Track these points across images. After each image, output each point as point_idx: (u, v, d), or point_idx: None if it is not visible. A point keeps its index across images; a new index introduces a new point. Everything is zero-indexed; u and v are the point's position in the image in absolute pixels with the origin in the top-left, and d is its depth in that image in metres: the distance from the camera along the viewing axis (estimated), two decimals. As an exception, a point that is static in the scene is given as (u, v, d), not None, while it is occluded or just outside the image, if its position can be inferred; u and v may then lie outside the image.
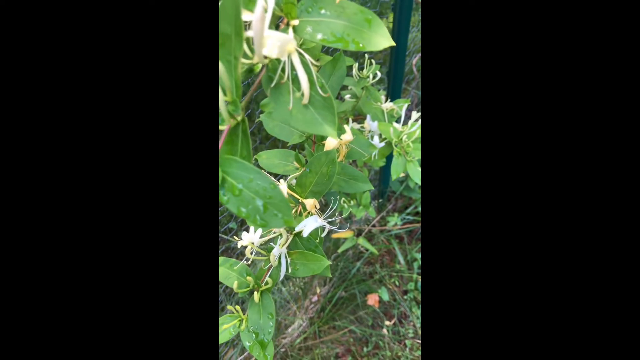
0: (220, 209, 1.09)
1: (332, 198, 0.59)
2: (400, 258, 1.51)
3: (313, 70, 0.30)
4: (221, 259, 0.54)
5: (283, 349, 1.33)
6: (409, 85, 1.70)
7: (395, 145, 0.67)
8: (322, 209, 0.55)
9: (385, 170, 1.47)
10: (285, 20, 0.32)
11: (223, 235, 1.18)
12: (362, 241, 1.38)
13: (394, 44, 0.30)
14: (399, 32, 1.05)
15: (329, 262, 0.49)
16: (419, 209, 1.60)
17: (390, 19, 1.06)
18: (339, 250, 1.41)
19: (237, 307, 0.55)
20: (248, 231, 0.50)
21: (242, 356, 1.21)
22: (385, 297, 1.44)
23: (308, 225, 0.48)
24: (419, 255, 1.50)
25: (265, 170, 0.57)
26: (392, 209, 1.61)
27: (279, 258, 0.51)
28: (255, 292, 0.52)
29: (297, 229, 0.51)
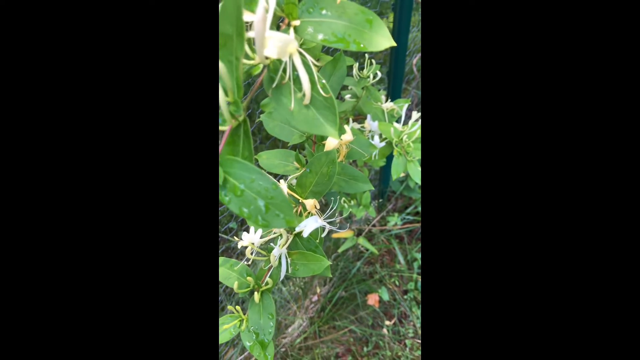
0: (220, 208, 1.09)
1: (332, 198, 0.59)
2: (401, 258, 1.51)
3: (314, 70, 0.30)
4: (221, 259, 0.54)
5: (283, 349, 1.33)
6: (409, 85, 1.70)
7: (396, 145, 0.67)
8: (322, 209, 0.55)
9: (385, 170, 1.47)
10: (286, 21, 0.32)
11: (223, 235, 1.18)
12: (362, 241, 1.38)
13: (395, 44, 0.31)
14: (399, 32, 1.05)
15: (329, 262, 0.50)
16: (419, 208, 1.60)
17: (391, 18, 1.06)
18: (339, 250, 1.41)
19: (238, 307, 0.55)
20: (248, 231, 0.50)
21: (242, 356, 1.21)
22: (386, 297, 1.44)
23: (308, 226, 0.48)
24: (419, 255, 1.51)
25: (265, 171, 0.57)
26: (392, 209, 1.61)
27: (279, 258, 0.51)
28: (256, 293, 0.52)
29: (297, 230, 0.51)
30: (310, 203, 0.51)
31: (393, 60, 1.14)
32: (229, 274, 0.54)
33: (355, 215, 1.08)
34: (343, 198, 1.05)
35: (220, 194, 0.28)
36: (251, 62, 0.30)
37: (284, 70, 0.30)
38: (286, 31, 0.31)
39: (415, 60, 1.53)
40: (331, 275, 1.02)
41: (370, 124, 0.70)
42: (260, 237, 0.50)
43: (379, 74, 0.72)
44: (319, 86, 0.30)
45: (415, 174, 0.64)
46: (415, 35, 1.52)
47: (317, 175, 0.50)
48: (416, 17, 1.59)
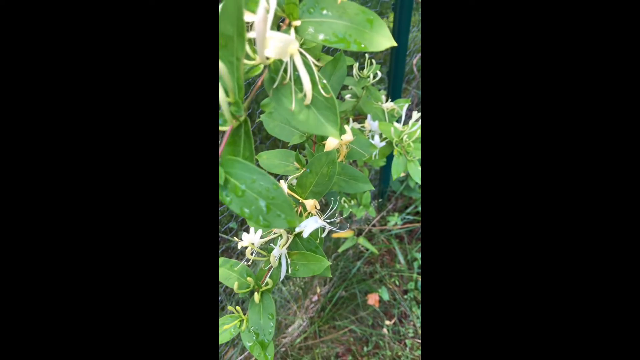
0: (220, 208, 1.09)
1: (333, 198, 0.59)
2: (401, 258, 1.51)
3: (315, 70, 0.30)
4: (222, 259, 0.54)
5: (283, 349, 1.33)
6: (409, 85, 1.70)
7: (396, 145, 0.67)
8: (323, 209, 0.55)
9: (385, 170, 1.47)
10: (287, 21, 0.32)
11: (223, 235, 1.18)
12: (362, 241, 1.38)
13: (395, 44, 0.31)
14: (399, 31, 1.05)
15: (329, 263, 0.50)
16: (419, 208, 1.60)
17: (391, 18, 1.06)
18: (339, 250, 1.41)
19: (238, 307, 0.55)
20: (248, 231, 0.50)
21: (242, 356, 1.21)
22: (386, 296, 1.44)
23: (308, 226, 0.48)
24: (419, 255, 1.51)
25: (265, 171, 0.57)
26: (392, 209, 1.61)
27: (279, 259, 0.51)
28: (256, 293, 0.52)
29: (297, 230, 0.51)
30: (311, 203, 0.51)
31: (393, 60, 1.14)
32: (229, 274, 0.54)
33: (355, 215, 1.08)
34: (343, 198, 1.05)
35: (221, 194, 0.28)
36: (252, 62, 0.30)
37: (285, 71, 0.30)
38: (287, 31, 0.31)
39: (415, 60, 1.54)
40: (331, 275, 1.02)
41: (370, 123, 0.70)
42: (260, 238, 0.50)
43: (379, 74, 0.72)
44: (319, 86, 0.30)
45: (416, 173, 0.64)
46: (415, 35, 1.52)
47: (317, 175, 0.50)
48: (416, 17, 1.59)
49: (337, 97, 0.73)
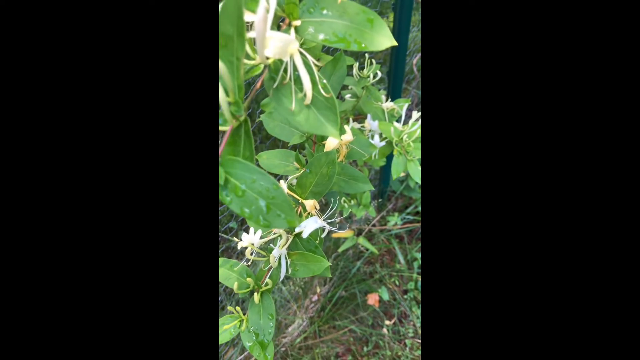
0: (220, 208, 1.09)
1: (332, 198, 0.59)
2: (400, 257, 1.51)
3: (315, 70, 0.30)
4: (221, 259, 0.54)
5: (283, 349, 1.33)
6: (409, 85, 1.70)
7: (396, 145, 0.67)
8: (322, 209, 0.55)
9: (385, 170, 1.47)
10: (287, 21, 0.31)
11: (223, 235, 1.18)
12: (362, 241, 1.38)
13: (396, 43, 0.30)
14: (399, 31, 1.05)
15: (329, 263, 0.49)
16: (419, 208, 1.60)
17: (391, 18, 1.06)
18: (339, 250, 1.41)
19: (238, 307, 0.55)
20: (248, 231, 0.50)
21: (242, 356, 1.21)
22: (386, 296, 1.44)
23: (308, 227, 0.48)
24: (419, 255, 1.51)
25: (265, 171, 0.57)
26: (392, 209, 1.61)
27: (279, 259, 0.51)
28: (256, 293, 0.52)
29: (297, 230, 0.50)
30: (310, 203, 0.51)
31: (393, 60, 1.14)
32: (229, 274, 0.54)
33: (355, 215, 1.07)
34: (343, 198, 1.05)
35: (221, 194, 0.28)
36: (252, 62, 0.30)
37: (285, 71, 0.30)
38: (287, 31, 0.31)
39: (415, 60, 1.54)
40: (331, 275, 1.02)
41: (370, 123, 0.70)
42: (260, 238, 0.50)
43: (379, 74, 0.72)
44: (319, 86, 0.30)
45: (416, 173, 0.64)
46: (415, 35, 1.52)
47: (317, 175, 0.50)
48: (416, 17, 1.59)
49: (337, 97, 0.73)
